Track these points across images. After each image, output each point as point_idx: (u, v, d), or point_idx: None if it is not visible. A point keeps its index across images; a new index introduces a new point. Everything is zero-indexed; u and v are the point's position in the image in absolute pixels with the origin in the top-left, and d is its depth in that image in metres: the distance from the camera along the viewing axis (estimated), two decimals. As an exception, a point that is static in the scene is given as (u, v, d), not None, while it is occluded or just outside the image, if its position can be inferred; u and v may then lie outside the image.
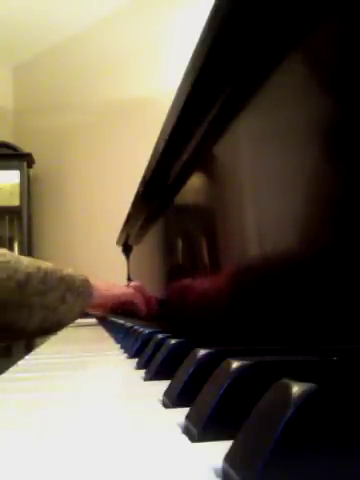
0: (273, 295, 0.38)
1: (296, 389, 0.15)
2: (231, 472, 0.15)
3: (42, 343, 0.85)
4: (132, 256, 1.46)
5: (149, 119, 1.72)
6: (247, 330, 0.43)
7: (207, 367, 0.25)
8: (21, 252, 2.79)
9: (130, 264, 1.51)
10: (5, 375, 0.42)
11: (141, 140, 1.62)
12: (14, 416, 0.26)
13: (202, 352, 0.27)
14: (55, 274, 0.92)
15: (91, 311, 1.13)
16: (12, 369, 0.46)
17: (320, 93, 0.31)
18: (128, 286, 1.14)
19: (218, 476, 0.16)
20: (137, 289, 1.09)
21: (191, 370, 0.26)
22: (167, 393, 0.27)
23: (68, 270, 0.97)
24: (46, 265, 0.93)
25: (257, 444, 0.15)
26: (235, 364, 0.21)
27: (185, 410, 0.22)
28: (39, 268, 0.90)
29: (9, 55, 3.09)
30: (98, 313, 1.23)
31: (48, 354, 0.62)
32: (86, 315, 1.16)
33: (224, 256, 0.53)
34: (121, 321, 0.90)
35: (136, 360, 0.44)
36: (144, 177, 0.84)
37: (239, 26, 0.38)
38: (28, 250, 2.83)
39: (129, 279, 1.49)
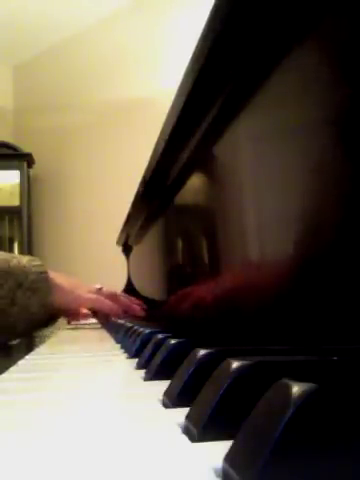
0: (273, 295, 0.38)
1: (296, 389, 0.15)
2: (231, 472, 0.15)
3: (42, 343, 0.85)
4: (132, 256, 1.46)
5: (149, 119, 1.72)
6: (247, 330, 0.43)
7: (207, 367, 0.25)
8: (21, 252, 2.79)
9: (130, 264, 1.51)
10: (5, 375, 0.42)
11: (141, 140, 1.62)
12: (14, 416, 0.26)
13: (202, 352, 0.27)
14: None
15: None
16: (12, 369, 0.46)
17: (320, 93, 0.31)
18: (97, 291, 0.98)
19: (218, 476, 0.16)
20: (103, 296, 0.96)
21: (191, 370, 0.26)
22: (167, 393, 0.27)
23: (20, 260, 0.78)
24: None
25: (257, 444, 0.15)
26: (235, 364, 0.21)
27: (185, 410, 0.22)
28: None
29: (9, 55, 3.09)
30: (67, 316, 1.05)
31: (48, 354, 0.62)
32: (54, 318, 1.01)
33: (224, 256, 0.53)
34: (121, 321, 0.90)
35: (136, 360, 0.44)
36: (144, 177, 0.84)
37: (239, 26, 0.38)
38: (28, 250, 2.83)
39: (129, 281, 1.48)
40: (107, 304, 0.94)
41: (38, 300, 0.76)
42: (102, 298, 0.94)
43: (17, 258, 0.78)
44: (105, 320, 1.10)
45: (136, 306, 1.02)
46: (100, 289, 0.98)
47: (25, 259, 0.78)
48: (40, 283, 0.77)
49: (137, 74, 2.67)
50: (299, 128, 0.34)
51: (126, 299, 1.03)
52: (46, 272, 0.79)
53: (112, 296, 0.98)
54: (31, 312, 0.75)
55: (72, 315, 0.99)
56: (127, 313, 0.98)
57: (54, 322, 0.91)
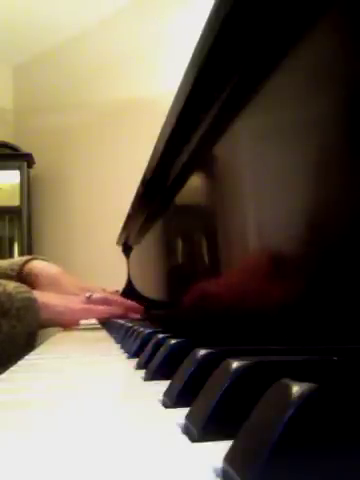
0: (273, 295, 0.38)
1: (296, 389, 0.15)
2: (231, 472, 0.15)
3: (42, 343, 0.85)
4: (132, 256, 1.46)
5: (149, 119, 1.72)
6: (247, 330, 0.43)
7: (207, 367, 0.25)
8: (21, 252, 2.79)
9: (130, 264, 1.51)
10: (5, 375, 0.42)
11: (141, 140, 1.62)
12: (14, 416, 0.26)
13: (202, 352, 0.27)
14: None
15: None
16: (12, 369, 0.46)
17: (321, 93, 0.31)
18: (87, 300, 0.95)
19: (218, 476, 0.16)
20: (94, 302, 0.93)
21: (191, 370, 0.26)
22: (167, 393, 0.27)
23: (6, 287, 0.74)
24: None
25: (257, 444, 0.15)
26: (235, 364, 0.21)
27: (185, 410, 0.22)
28: None
29: (9, 55, 3.09)
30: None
31: (48, 354, 0.62)
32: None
33: (224, 256, 0.53)
34: (121, 321, 0.90)
35: (136, 360, 0.44)
36: (144, 177, 0.84)
37: (239, 26, 0.38)
38: (28, 250, 2.83)
39: (129, 281, 1.48)
40: (99, 311, 0.93)
41: (24, 328, 0.74)
42: (93, 307, 0.93)
43: (3, 285, 0.75)
44: (105, 319, 1.10)
45: (131, 304, 1.01)
46: (89, 297, 0.96)
47: (11, 286, 0.75)
48: (26, 311, 0.74)
49: (137, 74, 2.67)
50: (299, 128, 0.34)
51: (119, 299, 1.02)
52: (33, 299, 0.76)
53: (104, 300, 0.97)
54: (16, 341, 0.73)
55: (67, 325, 0.97)
56: (124, 315, 0.98)
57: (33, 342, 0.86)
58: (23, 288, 0.77)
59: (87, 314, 0.92)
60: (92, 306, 0.93)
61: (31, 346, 0.75)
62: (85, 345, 0.79)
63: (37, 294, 0.79)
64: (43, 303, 0.79)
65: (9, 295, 0.73)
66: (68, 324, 0.92)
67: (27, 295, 0.76)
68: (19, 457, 0.19)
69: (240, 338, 0.41)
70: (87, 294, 0.96)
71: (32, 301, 0.75)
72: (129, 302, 1.01)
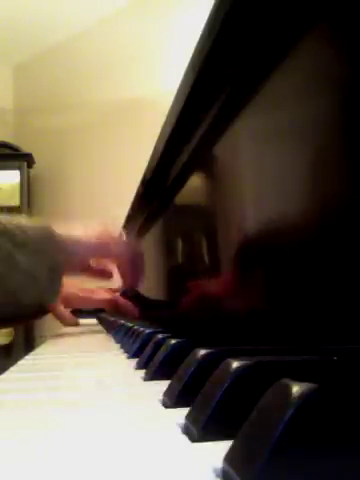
0: (273, 295, 0.38)
1: (296, 389, 0.15)
2: (231, 472, 0.15)
3: (42, 343, 0.85)
4: (132, 256, 1.46)
5: (149, 119, 1.72)
6: (247, 330, 0.43)
7: (207, 367, 0.25)
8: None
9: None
10: (5, 375, 0.42)
11: (141, 140, 1.62)
12: (14, 416, 0.26)
13: (202, 352, 0.27)
14: None
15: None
16: (12, 369, 0.46)
17: (321, 93, 0.31)
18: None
19: (218, 476, 0.16)
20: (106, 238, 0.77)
21: (191, 370, 0.26)
22: (167, 393, 0.27)
23: (19, 220, 0.64)
24: None
25: (257, 444, 0.15)
26: (235, 364, 0.21)
27: (185, 410, 0.22)
28: None
29: (9, 55, 3.09)
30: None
31: (48, 354, 0.62)
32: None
33: (224, 256, 0.53)
34: (121, 321, 0.90)
35: (136, 360, 0.44)
36: (144, 177, 0.84)
37: (239, 26, 0.38)
38: (28, 250, 2.83)
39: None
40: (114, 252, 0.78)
41: (45, 263, 0.63)
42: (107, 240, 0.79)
43: (16, 219, 0.65)
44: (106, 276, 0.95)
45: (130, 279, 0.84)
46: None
47: (25, 219, 0.66)
48: (45, 243, 0.63)
49: (137, 74, 2.67)
50: (300, 128, 0.34)
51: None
52: (51, 229, 0.65)
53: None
54: (38, 278, 0.62)
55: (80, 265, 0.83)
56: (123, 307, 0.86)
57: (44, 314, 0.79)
58: (39, 221, 0.67)
59: (101, 248, 0.76)
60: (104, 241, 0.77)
61: (55, 286, 0.65)
62: (85, 345, 0.79)
63: (58, 228, 0.68)
64: (65, 237, 0.67)
65: (22, 227, 0.62)
66: (82, 261, 0.77)
67: (44, 225, 0.65)
68: (19, 457, 0.19)
69: (240, 338, 0.41)
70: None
71: (50, 232, 0.65)
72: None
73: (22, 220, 0.64)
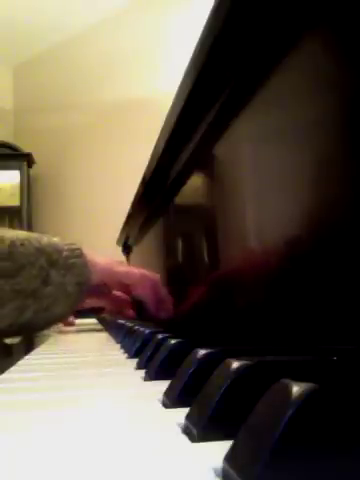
0: (273, 295, 0.38)
1: (296, 389, 0.15)
2: (231, 472, 0.15)
3: (42, 343, 0.85)
4: (132, 256, 1.46)
5: (149, 119, 1.72)
6: (247, 330, 0.43)
7: (207, 367, 0.25)
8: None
9: (130, 264, 1.51)
10: (5, 375, 0.42)
11: (141, 140, 1.62)
12: (14, 416, 0.26)
13: (202, 352, 0.27)
14: (29, 245, 0.67)
15: (88, 302, 0.82)
16: (12, 369, 0.46)
17: (321, 93, 0.31)
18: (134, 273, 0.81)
19: (218, 476, 0.16)
20: (145, 279, 0.80)
21: (191, 370, 0.26)
22: (167, 393, 0.27)
23: (50, 238, 0.71)
24: (13, 234, 0.68)
25: (257, 444, 0.15)
26: (235, 364, 0.21)
27: (185, 410, 0.22)
28: (2, 240, 0.65)
29: (9, 55, 3.10)
30: (96, 301, 0.91)
31: (48, 354, 0.62)
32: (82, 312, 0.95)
33: (224, 256, 0.53)
34: (121, 321, 0.90)
35: (136, 360, 0.44)
36: (144, 177, 0.84)
37: (239, 26, 0.38)
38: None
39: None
40: (144, 280, 0.79)
41: (74, 278, 0.69)
42: (134, 269, 0.82)
43: (47, 236, 0.72)
44: (117, 310, 0.96)
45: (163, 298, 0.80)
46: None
47: (55, 238, 0.72)
48: (74, 259, 0.70)
49: (137, 74, 2.67)
50: (300, 128, 0.34)
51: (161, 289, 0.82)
52: (80, 249, 0.72)
53: (151, 278, 0.82)
54: (68, 292, 0.68)
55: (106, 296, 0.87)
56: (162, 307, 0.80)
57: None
58: (69, 241, 0.73)
59: (127, 276, 0.79)
60: (135, 272, 0.81)
61: (81, 297, 0.71)
62: (85, 345, 0.79)
63: (84, 248, 0.74)
64: (90, 255, 0.74)
65: (56, 246, 0.70)
66: (109, 285, 0.82)
67: (73, 246, 0.72)
68: (19, 457, 0.19)
69: (240, 338, 0.41)
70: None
71: (79, 251, 0.71)
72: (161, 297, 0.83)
73: (55, 239, 0.72)
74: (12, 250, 0.65)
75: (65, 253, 0.69)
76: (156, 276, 0.82)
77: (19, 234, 0.69)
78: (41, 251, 0.67)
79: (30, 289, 0.65)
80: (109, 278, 0.77)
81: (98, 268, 0.74)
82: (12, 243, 0.65)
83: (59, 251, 0.69)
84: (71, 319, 1.18)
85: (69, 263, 0.69)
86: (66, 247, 0.71)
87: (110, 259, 0.80)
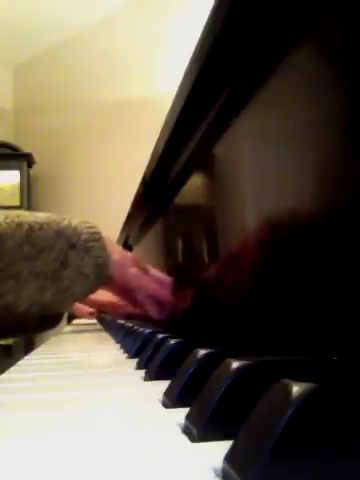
0: (273, 295, 0.38)
1: (296, 389, 0.15)
2: (231, 472, 0.15)
3: (42, 343, 0.85)
4: (132, 256, 1.46)
5: (149, 119, 1.72)
6: (247, 330, 0.43)
7: (207, 367, 0.25)
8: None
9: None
10: (5, 375, 0.42)
11: (141, 140, 1.62)
12: (14, 416, 0.26)
13: (202, 352, 0.27)
14: (48, 229, 0.68)
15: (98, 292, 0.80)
16: (12, 369, 0.46)
17: (322, 92, 0.31)
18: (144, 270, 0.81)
19: (218, 476, 0.16)
20: (157, 280, 0.79)
21: (191, 370, 0.26)
22: (167, 393, 0.27)
23: (71, 221, 0.73)
24: (33, 218, 0.69)
25: (257, 444, 0.15)
26: (235, 364, 0.21)
27: (185, 410, 0.22)
28: (20, 224, 0.66)
29: (9, 55, 3.10)
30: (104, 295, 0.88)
31: (48, 354, 0.62)
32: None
33: (224, 256, 0.53)
34: (121, 321, 0.90)
35: (136, 360, 0.44)
36: (144, 177, 0.84)
37: (239, 26, 0.38)
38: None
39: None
40: (150, 285, 0.79)
41: (92, 260, 0.69)
42: (146, 277, 0.80)
43: (67, 219, 0.73)
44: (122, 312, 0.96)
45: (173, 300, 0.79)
46: (145, 269, 0.83)
47: (76, 220, 0.73)
48: (93, 242, 0.70)
49: (137, 74, 2.67)
50: (300, 128, 0.34)
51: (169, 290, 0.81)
52: (99, 233, 0.72)
53: (160, 280, 0.81)
54: (85, 274, 0.69)
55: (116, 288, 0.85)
56: (169, 302, 0.79)
57: (59, 321, 0.83)
58: (88, 223, 0.74)
59: (137, 280, 0.78)
60: (146, 276, 0.80)
61: (100, 279, 0.71)
62: (85, 345, 0.79)
63: (104, 232, 0.74)
64: (109, 240, 0.74)
65: (75, 228, 0.71)
66: (120, 285, 0.80)
67: (93, 230, 0.72)
68: (19, 457, 0.19)
69: (240, 338, 0.41)
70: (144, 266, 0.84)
71: (98, 235, 0.71)
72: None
73: (75, 221, 0.73)
74: (30, 234, 0.66)
75: (84, 236, 0.70)
76: (166, 290, 0.79)
77: (38, 217, 0.70)
78: (60, 234, 0.68)
79: (49, 271, 0.66)
80: (119, 277, 0.76)
81: (111, 263, 0.73)
82: (30, 228, 0.66)
83: (78, 234, 0.70)
84: (92, 310, 1.18)
85: (88, 246, 0.70)
86: (85, 230, 0.71)
87: (124, 254, 0.79)
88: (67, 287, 0.67)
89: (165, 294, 0.78)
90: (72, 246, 0.68)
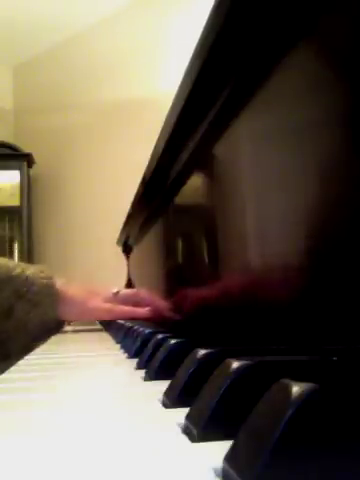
0: (273, 295, 0.38)
1: (296, 389, 0.15)
2: (231, 472, 0.15)
3: (42, 343, 0.85)
4: (132, 256, 1.46)
5: (149, 119, 1.72)
6: (247, 330, 0.43)
7: (207, 367, 0.25)
8: (21, 252, 2.79)
9: (130, 264, 1.51)
10: (5, 375, 0.42)
11: (141, 140, 1.62)
12: (14, 416, 0.26)
13: (202, 352, 0.27)
14: None
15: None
16: (12, 369, 0.46)
17: (322, 92, 0.31)
18: (113, 297, 0.82)
19: (218, 476, 0.16)
20: (120, 301, 0.81)
21: (191, 370, 0.26)
22: (167, 393, 0.27)
23: (25, 269, 0.71)
24: None
25: (257, 444, 0.15)
26: (235, 364, 0.21)
27: (185, 410, 0.22)
28: None
29: (9, 55, 3.09)
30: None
31: (48, 354, 0.62)
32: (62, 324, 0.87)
33: (224, 256, 0.53)
34: (121, 321, 0.90)
35: (136, 360, 0.44)
36: (144, 177, 0.84)
37: (239, 26, 0.38)
38: (28, 250, 2.83)
39: (129, 281, 1.48)
40: (122, 313, 0.80)
41: (38, 315, 0.68)
42: (116, 308, 0.81)
43: (22, 267, 0.71)
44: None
45: (160, 304, 0.81)
46: (116, 293, 0.84)
47: (31, 269, 0.71)
48: (43, 296, 0.69)
49: (137, 74, 2.67)
50: (300, 128, 0.34)
51: (149, 298, 0.84)
52: (52, 285, 0.71)
53: (133, 296, 0.84)
54: (28, 328, 0.68)
55: (83, 320, 0.89)
56: (151, 317, 0.81)
57: (59, 330, 0.84)
58: (43, 273, 0.72)
59: (107, 315, 0.81)
60: (114, 307, 0.81)
61: (46, 332, 0.72)
62: (85, 345, 0.79)
63: (59, 282, 0.73)
64: (63, 292, 0.73)
65: (26, 278, 0.69)
66: (84, 320, 0.84)
67: (46, 281, 0.71)
68: (19, 457, 0.19)
69: (240, 338, 0.41)
70: (114, 290, 0.84)
71: (50, 288, 0.70)
72: (159, 302, 0.83)
73: (29, 271, 0.70)
74: None
75: (34, 288, 0.69)
76: (129, 293, 0.82)
77: None
78: (9, 282, 0.67)
79: None
80: (78, 315, 0.77)
81: (65, 309, 0.73)
82: None
83: (29, 285, 0.69)
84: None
85: (37, 299, 0.69)
86: (38, 281, 0.70)
87: (81, 293, 0.79)
88: (3, 341, 0.66)
89: (139, 311, 0.78)
90: (20, 296, 0.68)
